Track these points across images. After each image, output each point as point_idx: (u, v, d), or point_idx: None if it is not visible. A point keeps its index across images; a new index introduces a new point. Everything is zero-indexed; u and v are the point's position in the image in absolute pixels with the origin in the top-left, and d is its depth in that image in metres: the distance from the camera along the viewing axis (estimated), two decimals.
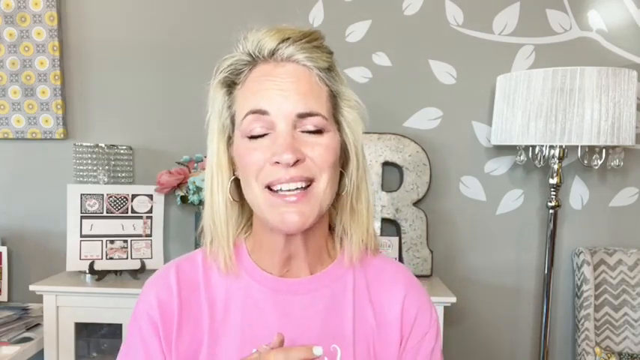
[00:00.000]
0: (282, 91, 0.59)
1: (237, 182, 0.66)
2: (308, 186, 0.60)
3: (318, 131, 0.60)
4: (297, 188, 0.59)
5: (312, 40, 0.61)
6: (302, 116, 0.59)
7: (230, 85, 0.64)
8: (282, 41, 0.60)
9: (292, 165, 0.58)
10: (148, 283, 0.69)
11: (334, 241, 0.71)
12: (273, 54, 0.61)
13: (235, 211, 0.68)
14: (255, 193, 0.61)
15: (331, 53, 0.64)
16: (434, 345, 0.70)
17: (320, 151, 0.60)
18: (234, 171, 0.66)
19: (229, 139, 0.65)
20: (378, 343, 0.68)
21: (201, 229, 0.69)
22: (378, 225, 1.61)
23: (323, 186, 0.61)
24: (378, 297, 0.70)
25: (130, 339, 0.67)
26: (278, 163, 0.58)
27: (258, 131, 0.60)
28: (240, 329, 0.65)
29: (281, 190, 0.59)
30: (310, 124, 0.60)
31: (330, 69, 0.63)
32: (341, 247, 0.70)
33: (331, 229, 0.72)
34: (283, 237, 0.64)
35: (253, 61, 0.62)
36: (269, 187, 0.60)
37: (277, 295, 0.66)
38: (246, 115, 0.60)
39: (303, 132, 0.60)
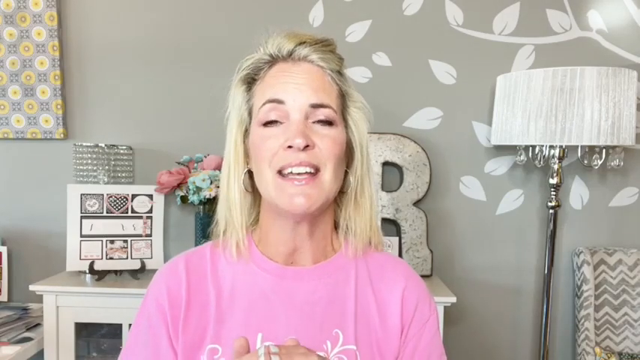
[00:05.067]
0: (298, 85, 0.65)
1: (249, 175, 0.71)
2: (314, 173, 0.64)
3: (329, 123, 0.66)
4: (305, 172, 0.64)
5: (326, 45, 0.68)
6: (314, 106, 0.65)
7: (250, 82, 0.70)
8: (300, 44, 0.67)
9: (302, 149, 0.63)
10: (158, 274, 0.73)
11: (338, 236, 0.75)
12: (290, 54, 0.67)
13: (248, 202, 0.73)
14: (267, 179, 0.65)
15: (342, 59, 0.70)
16: (434, 332, 0.73)
17: (328, 142, 0.65)
18: (247, 163, 0.71)
19: (246, 132, 0.70)
20: (380, 330, 0.70)
21: (216, 222, 0.73)
22: (378, 225, 1.61)
23: (328, 176, 0.65)
24: (379, 287, 0.73)
25: (138, 325, 0.71)
26: (290, 147, 0.63)
27: (273, 116, 0.65)
28: (245, 313, 0.68)
29: (291, 173, 0.64)
30: (321, 114, 0.65)
31: (340, 73, 0.69)
32: (345, 240, 0.74)
33: (336, 226, 0.76)
34: (290, 226, 0.68)
35: (273, 60, 0.68)
36: (280, 172, 0.64)
37: (282, 281, 0.70)
38: (264, 104, 0.66)
39: (314, 122, 0.65)
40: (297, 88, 0.65)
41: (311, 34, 0.68)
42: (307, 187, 0.63)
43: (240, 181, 0.70)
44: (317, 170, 0.64)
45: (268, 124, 0.66)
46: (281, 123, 0.65)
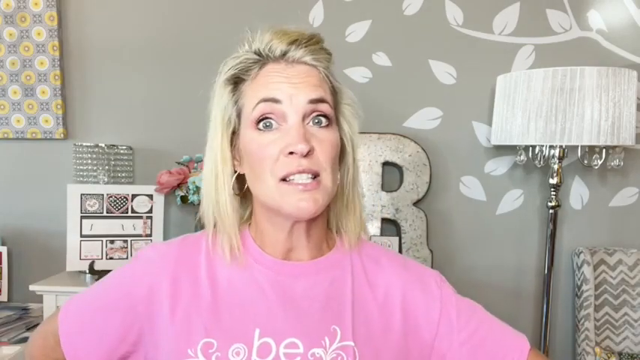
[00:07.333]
0: (294, 84, 0.63)
1: (236, 177, 0.69)
2: (315, 177, 0.63)
3: (326, 119, 0.65)
4: (308, 178, 0.63)
5: (316, 42, 0.66)
6: (314, 102, 0.63)
7: (237, 82, 0.68)
8: (292, 43, 0.64)
9: (305, 156, 0.61)
10: (144, 262, 0.70)
11: (331, 232, 0.75)
12: (284, 55, 0.65)
13: (237, 204, 0.71)
14: (269, 186, 0.64)
15: (330, 54, 0.69)
16: (454, 302, 0.78)
17: (327, 147, 0.64)
18: (234, 166, 0.69)
19: (233, 134, 0.68)
20: (379, 325, 0.69)
21: (199, 220, 0.72)
22: (377, 225, 1.61)
23: (328, 179, 0.64)
24: (374, 280, 0.72)
25: (109, 287, 0.72)
26: (292, 153, 0.62)
27: (269, 116, 0.64)
28: (242, 308, 0.67)
29: (294, 180, 0.62)
30: (320, 110, 0.64)
31: (329, 68, 0.68)
32: (338, 237, 0.74)
33: (328, 223, 0.75)
34: (288, 227, 0.68)
35: (263, 59, 0.66)
36: (284, 179, 0.63)
37: (279, 276, 0.69)
38: (258, 103, 0.64)
39: (310, 124, 0.64)
40: (293, 86, 0.63)
41: (297, 30, 0.66)
42: (314, 192, 0.63)
43: (230, 186, 0.68)
44: (316, 175, 0.63)
45: (262, 122, 0.64)
46: (278, 126, 0.64)
